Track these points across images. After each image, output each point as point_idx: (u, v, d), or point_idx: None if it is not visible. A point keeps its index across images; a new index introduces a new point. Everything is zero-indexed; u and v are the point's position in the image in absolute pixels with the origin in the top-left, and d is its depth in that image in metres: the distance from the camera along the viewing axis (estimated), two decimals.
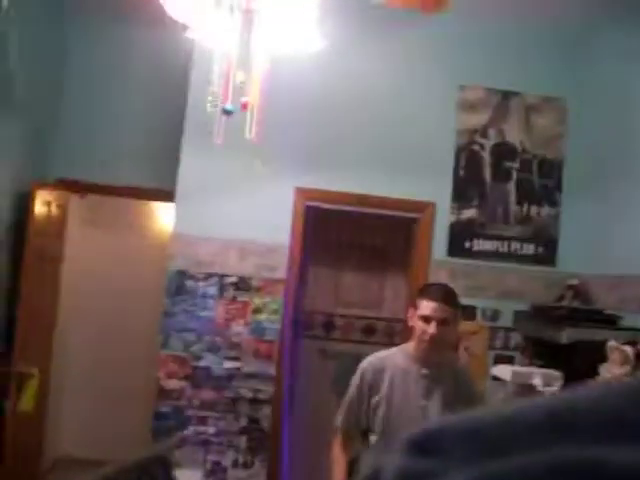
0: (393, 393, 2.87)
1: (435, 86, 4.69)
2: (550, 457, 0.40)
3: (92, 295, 6.57)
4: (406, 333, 4.91)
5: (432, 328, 2.77)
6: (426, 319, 2.79)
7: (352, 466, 3.00)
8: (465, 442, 0.45)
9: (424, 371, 2.88)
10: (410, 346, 2.95)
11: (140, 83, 5.17)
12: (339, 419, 3.02)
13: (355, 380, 2.97)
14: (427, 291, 2.90)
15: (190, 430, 4.42)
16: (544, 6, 4.42)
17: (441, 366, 2.92)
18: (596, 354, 3.51)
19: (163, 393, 4.43)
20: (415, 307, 2.87)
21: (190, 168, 4.46)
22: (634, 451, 0.39)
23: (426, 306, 2.80)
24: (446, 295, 2.85)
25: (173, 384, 4.42)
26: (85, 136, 5.10)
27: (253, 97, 2.93)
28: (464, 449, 0.45)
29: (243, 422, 4.48)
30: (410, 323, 2.91)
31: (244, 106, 2.91)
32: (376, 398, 2.89)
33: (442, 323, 2.79)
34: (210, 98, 2.74)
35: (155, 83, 5.13)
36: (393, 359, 2.95)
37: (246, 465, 4.47)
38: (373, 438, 2.91)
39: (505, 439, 0.44)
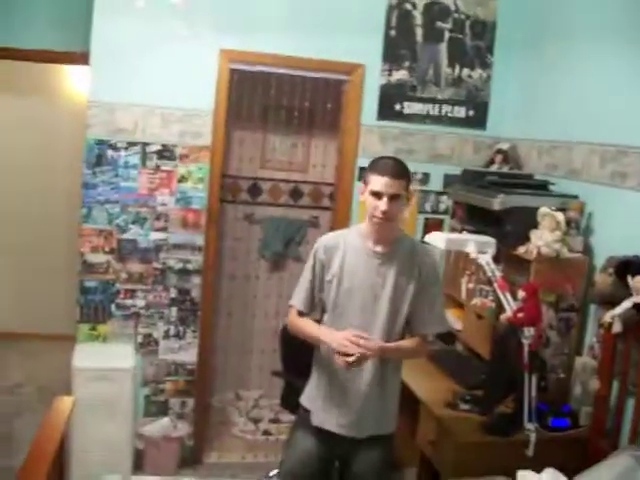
0: (344, 270, 2.80)
1: None
2: None
3: (3, 168, 6.31)
4: (335, 196, 4.88)
5: (383, 205, 2.67)
6: (377, 195, 2.68)
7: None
8: None
9: (377, 249, 2.80)
10: (363, 225, 2.86)
11: None
12: (295, 298, 2.93)
13: (309, 260, 2.90)
14: (376, 165, 2.74)
15: (119, 303, 4.36)
16: None
17: (395, 244, 2.83)
18: (528, 220, 3.53)
19: (88, 267, 4.29)
20: (365, 182, 2.75)
21: (105, 30, 4.10)
22: None
23: (376, 181, 2.68)
24: (396, 169, 2.71)
25: (98, 258, 4.28)
26: None
27: None
28: None
29: (173, 293, 4.41)
30: (361, 199, 2.81)
31: None
32: (328, 277, 2.83)
33: (393, 198, 2.68)
34: None
35: None
36: (347, 237, 2.88)
37: (178, 336, 4.44)
38: (325, 317, 2.88)
39: None
